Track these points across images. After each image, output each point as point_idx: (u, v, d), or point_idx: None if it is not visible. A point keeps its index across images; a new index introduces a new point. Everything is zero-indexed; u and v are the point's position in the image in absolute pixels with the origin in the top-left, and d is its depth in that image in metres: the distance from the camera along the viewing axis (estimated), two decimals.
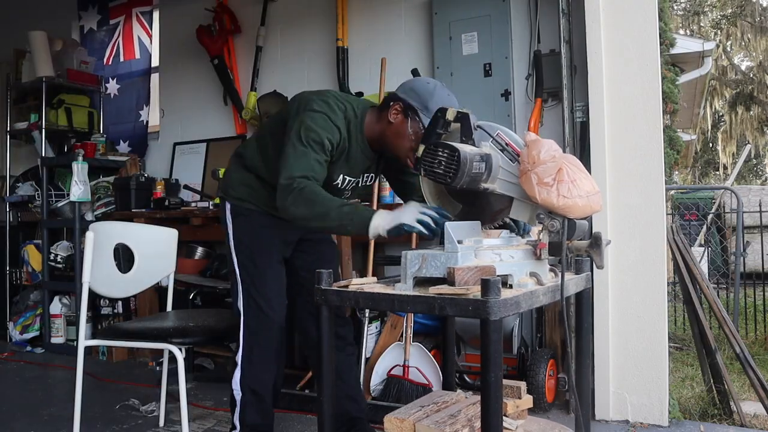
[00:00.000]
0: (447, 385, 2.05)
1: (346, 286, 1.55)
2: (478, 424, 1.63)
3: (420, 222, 1.67)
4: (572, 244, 1.54)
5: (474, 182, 1.55)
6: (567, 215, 1.50)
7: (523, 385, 1.76)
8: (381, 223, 1.72)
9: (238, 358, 2.22)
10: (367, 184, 2.24)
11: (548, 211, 1.51)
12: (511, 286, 1.45)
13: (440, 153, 1.56)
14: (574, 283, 1.63)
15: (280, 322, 2.21)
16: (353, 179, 2.14)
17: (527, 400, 1.76)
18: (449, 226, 1.48)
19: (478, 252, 1.49)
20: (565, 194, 1.47)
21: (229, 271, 2.29)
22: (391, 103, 2.00)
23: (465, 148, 1.54)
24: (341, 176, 2.09)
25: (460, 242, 1.46)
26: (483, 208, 1.73)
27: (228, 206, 2.26)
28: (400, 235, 1.70)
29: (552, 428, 1.78)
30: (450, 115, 1.71)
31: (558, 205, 1.48)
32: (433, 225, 1.66)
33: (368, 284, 1.60)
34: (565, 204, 1.48)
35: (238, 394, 2.22)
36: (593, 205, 1.53)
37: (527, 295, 1.41)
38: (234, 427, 2.24)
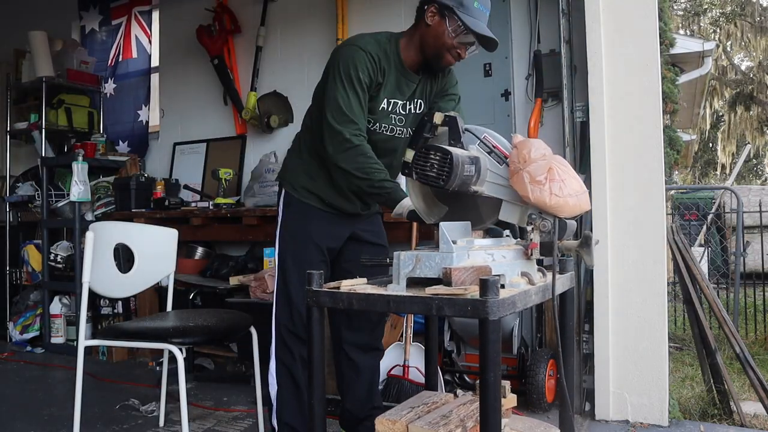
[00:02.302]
0: (430, 386, 2.05)
1: (338, 287, 1.54)
2: (470, 424, 1.63)
3: None
4: (562, 243, 1.55)
5: (465, 185, 1.55)
6: (558, 214, 1.50)
7: (507, 384, 1.77)
8: (399, 209, 1.88)
9: (272, 349, 2.20)
10: (418, 112, 2.20)
11: (539, 210, 1.52)
12: (503, 286, 1.45)
13: (432, 156, 1.56)
14: (560, 282, 1.64)
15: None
16: (399, 101, 2.14)
17: (511, 399, 1.76)
18: (444, 226, 1.48)
19: (470, 252, 1.49)
20: (557, 193, 1.47)
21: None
22: (426, 7, 2.03)
23: (456, 151, 1.54)
24: (385, 100, 2.10)
25: (454, 242, 1.46)
26: (470, 211, 1.73)
27: (283, 193, 2.27)
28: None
29: (537, 426, 1.79)
30: (437, 119, 1.71)
31: (550, 204, 1.48)
32: None
33: (359, 285, 1.59)
34: (557, 203, 1.48)
35: (273, 388, 2.20)
36: (582, 204, 1.54)
37: (522, 294, 1.41)
38: (273, 430, 2.21)
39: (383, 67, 2.05)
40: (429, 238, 3.23)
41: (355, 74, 1.98)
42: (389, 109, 2.12)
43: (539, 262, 1.64)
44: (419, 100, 2.19)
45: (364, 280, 1.64)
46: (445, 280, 1.40)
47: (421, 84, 2.17)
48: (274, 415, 2.20)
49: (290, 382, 2.17)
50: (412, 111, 2.18)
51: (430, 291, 1.38)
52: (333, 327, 2.35)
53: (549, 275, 1.63)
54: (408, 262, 1.49)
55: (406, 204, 1.86)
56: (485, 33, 1.99)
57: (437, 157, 1.54)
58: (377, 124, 2.10)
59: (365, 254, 2.23)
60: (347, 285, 1.56)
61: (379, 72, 2.04)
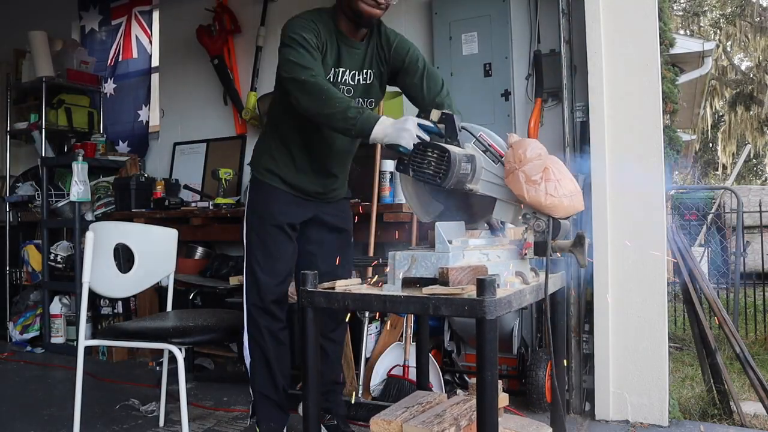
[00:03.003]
0: (422, 386, 2.06)
1: (332, 288, 1.54)
2: (463, 423, 1.65)
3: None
4: (556, 243, 1.55)
5: (460, 183, 1.55)
6: (553, 214, 1.51)
7: (499, 383, 1.79)
8: (381, 134, 1.77)
9: (245, 325, 2.32)
10: (368, 83, 2.23)
11: (534, 210, 1.52)
12: (498, 286, 1.45)
13: (429, 153, 1.56)
14: (552, 282, 1.65)
15: (276, 289, 2.29)
16: (347, 71, 2.17)
17: (503, 398, 1.78)
18: (440, 226, 1.48)
19: (465, 252, 1.49)
20: (552, 193, 1.49)
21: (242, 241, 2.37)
22: None
23: (454, 149, 1.54)
24: (332, 70, 2.14)
25: (450, 242, 1.46)
26: (465, 209, 1.74)
27: (250, 177, 2.37)
28: (396, 151, 1.71)
29: (529, 425, 1.80)
30: (434, 116, 1.70)
31: (546, 204, 1.49)
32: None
33: (354, 285, 1.59)
34: (552, 203, 1.49)
35: (247, 359, 2.33)
36: (576, 205, 1.55)
37: (517, 294, 1.42)
38: (251, 398, 2.37)
39: (324, 35, 2.09)
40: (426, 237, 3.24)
41: (299, 36, 2.02)
42: (336, 80, 2.15)
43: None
44: (369, 71, 2.21)
45: (359, 280, 1.65)
46: (441, 279, 1.40)
47: (368, 53, 2.20)
48: (250, 385, 2.36)
49: (260, 353, 2.31)
50: (362, 81, 2.22)
51: (427, 291, 1.39)
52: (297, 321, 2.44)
53: (541, 274, 1.64)
54: (403, 262, 1.49)
55: (379, 132, 1.76)
56: None
57: (435, 155, 1.55)
58: None
59: (329, 238, 2.38)
60: (342, 285, 1.56)
61: (321, 35, 2.08)
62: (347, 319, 2.56)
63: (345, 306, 1.50)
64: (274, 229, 2.27)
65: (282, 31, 2.10)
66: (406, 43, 2.25)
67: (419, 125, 1.70)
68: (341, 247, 2.43)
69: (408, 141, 1.67)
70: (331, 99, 1.89)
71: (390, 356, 3.00)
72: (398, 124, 1.71)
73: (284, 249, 2.30)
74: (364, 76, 2.22)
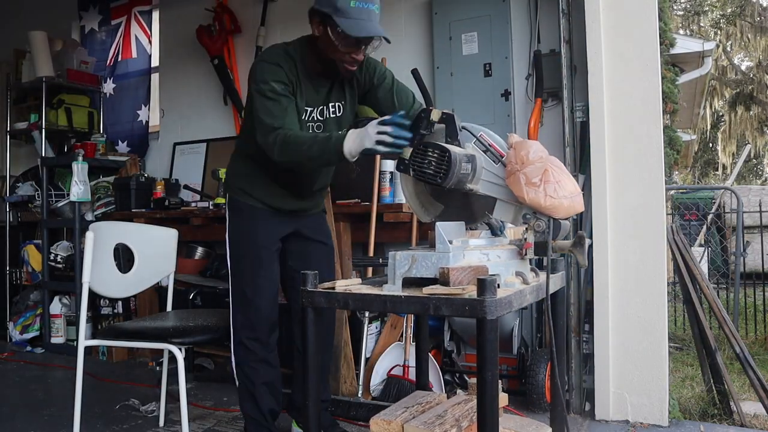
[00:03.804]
0: (420, 386, 2.06)
1: (332, 288, 1.54)
2: (465, 423, 1.64)
3: (379, 143, 1.72)
4: (556, 243, 1.56)
5: (460, 183, 1.56)
6: (552, 215, 1.52)
7: (499, 383, 1.78)
8: (351, 150, 1.79)
9: (231, 348, 2.30)
10: (338, 115, 2.22)
11: (534, 211, 1.53)
12: (498, 286, 1.45)
13: (430, 153, 1.56)
14: (552, 282, 1.65)
15: (267, 310, 2.26)
16: (315, 108, 2.15)
17: (503, 398, 1.78)
18: (440, 226, 1.48)
19: (466, 252, 1.49)
20: (552, 194, 1.50)
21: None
22: (311, 20, 2.03)
23: (454, 149, 1.54)
24: (305, 110, 2.13)
25: (450, 242, 1.46)
26: (464, 209, 1.74)
27: (227, 198, 2.35)
28: (371, 155, 1.76)
29: (529, 424, 1.80)
30: (435, 116, 1.70)
31: (545, 205, 1.50)
32: (390, 140, 1.71)
33: (354, 285, 1.59)
34: (552, 204, 1.50)
35: (236, 383, 2.32)
36: (576, 206, 1.56)
37: (517, 294, 1.42)
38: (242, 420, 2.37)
39: (291, 77, 2.06)
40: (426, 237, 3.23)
41: (269, 87, 2.00)
42: (304, 118, 2.14)
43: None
44: (337, 103, 2.20)
45: (359, 280, 1.64)
46: (442, 279, 1.40)
47: (335, 88, 2.18)
48: (240, 408, 2.35)
49: (248, 380, 2.28)
50: (331, 115, 2.20)
51: (427, 291, 1.39)
52: (285, 325, 2.44)
53: (541, 274, 1.64)
54: (404, 262, 1.49)
55: (351, 146, 1.77)
56: (366, 34, 1.93)
57: (435, 155, 1.55)
58: None
59: (309, 251, 2.36)
60: (342, 285, 1.56)
61: (289, 78, 2.05)
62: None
63: (345, 306, 1.49)
64: (261, 249, 2.25)
65: (251, 72, 2.09)
66: (372, 60, 2.21)
67: (382, 121, 1.72)
68: (323, 259, 2.39)
69: (371, 140, 1.71)
70: (299, 146, 1.90)
71: (390, 356, 3.00)
72: (360, 133, 1.76)
73: (272, 268, 2.28)
74: (334, 109, 2.20)
